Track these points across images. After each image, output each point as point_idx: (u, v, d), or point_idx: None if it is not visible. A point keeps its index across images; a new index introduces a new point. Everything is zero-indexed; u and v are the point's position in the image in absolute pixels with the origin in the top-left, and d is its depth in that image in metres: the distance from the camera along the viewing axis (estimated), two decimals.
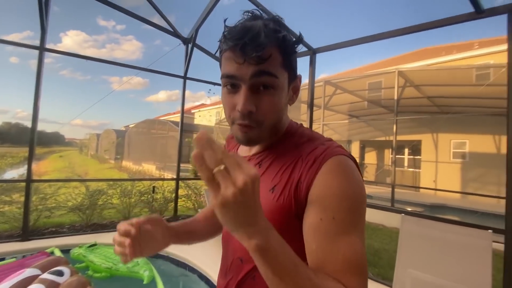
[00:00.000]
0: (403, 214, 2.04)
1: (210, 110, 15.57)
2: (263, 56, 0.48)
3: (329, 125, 10.64)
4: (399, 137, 6.98)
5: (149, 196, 4.47)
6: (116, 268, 2.43)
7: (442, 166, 9.78)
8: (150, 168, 14.96)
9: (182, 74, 4.13)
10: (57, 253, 2.57)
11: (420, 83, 6.55)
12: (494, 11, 1.83)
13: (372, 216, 6.01)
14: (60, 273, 1.75)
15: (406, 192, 9.24)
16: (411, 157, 11.38)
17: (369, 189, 8.75)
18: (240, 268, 0.56)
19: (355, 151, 12.88)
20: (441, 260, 1.78)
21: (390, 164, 10.40)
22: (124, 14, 3.65)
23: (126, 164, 18.14)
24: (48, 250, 2.59)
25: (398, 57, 13.51)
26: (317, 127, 9.81)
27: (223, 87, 0.54)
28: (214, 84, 4.81)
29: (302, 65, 3.26)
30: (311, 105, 3.24)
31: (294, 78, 0.56)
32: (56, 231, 3.57)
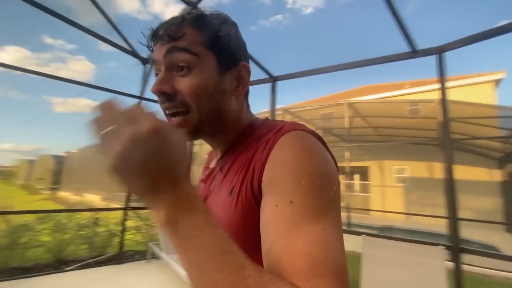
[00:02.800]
0: (364, 236, 2.08)
1: None
2: (174, 34, 0.44)
3: None
4: (349, 164, 7.54)
5: (90, 230, 3.87)
6: None
7: (387, 190, 10.69)
8: (93, 198, 13.28)
9: (138, 94, 3.91)
10: None
11: (366, 115, 7.30)
12: (426, 52, 2.15)
13: None
14: None
15: (358, 215, 9.77)
16: (361, 182, 12.25)
17: None
18: None
19: None
20: (402, 279, 1.81)
21: (344, 189, 11.03)
22: (78, 29, 3.39)
23: (63, 195, 15.86)
24: None
25: (346, 92, 15.11)
26: None
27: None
28: None
29: (264, 93, 3.34)
30: None
31: (231, 63, 0.49)
32: None
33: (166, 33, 0.44)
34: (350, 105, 6.75)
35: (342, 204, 10.86)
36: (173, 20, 0.46)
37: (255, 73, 3.36)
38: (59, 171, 18.79)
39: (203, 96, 0.46)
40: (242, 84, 0.51)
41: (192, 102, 0.45)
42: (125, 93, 3.87)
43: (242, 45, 0.51)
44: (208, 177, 0.55)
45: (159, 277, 3.19)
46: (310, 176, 0.35)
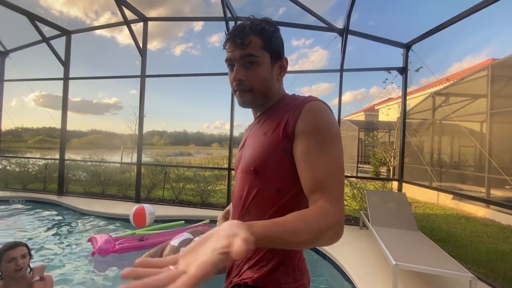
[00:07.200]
0: None
1: (392, 105, 13.41)
2: (245, 42, 0.68)
3: None
4: None
5: None
6: None
7: None
8: None
9: (338, 68, 4.00)
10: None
11: None
12: None
13: None
14: None
15: None
16: None
17: None
18: (239, 205, 0.73)
19: None
20: None
21: None
22: (301, 28, 4.14)
23: None
24: (206, 221, 3.68)
25: None
26: None
27: (228, 68, 0.76)
28: (388, 69, 4.24)
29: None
30: None
31: (278, 58, 0.74)
32: None
33: (239, 41, 0.68)
34: None
35: None
36: (241, 29, 0.69)
37: None
38: None
39: (262, 82, 0.72)
40: (283, 71, 0.77)
41: (255, 85, 0.71)
42: (324, 70, 4.16)
43: (283, 43, 0.75)
44: (250, 128, 0.84)
45: (364, 244, 3.22)
46: (327, 129, 0.62)
